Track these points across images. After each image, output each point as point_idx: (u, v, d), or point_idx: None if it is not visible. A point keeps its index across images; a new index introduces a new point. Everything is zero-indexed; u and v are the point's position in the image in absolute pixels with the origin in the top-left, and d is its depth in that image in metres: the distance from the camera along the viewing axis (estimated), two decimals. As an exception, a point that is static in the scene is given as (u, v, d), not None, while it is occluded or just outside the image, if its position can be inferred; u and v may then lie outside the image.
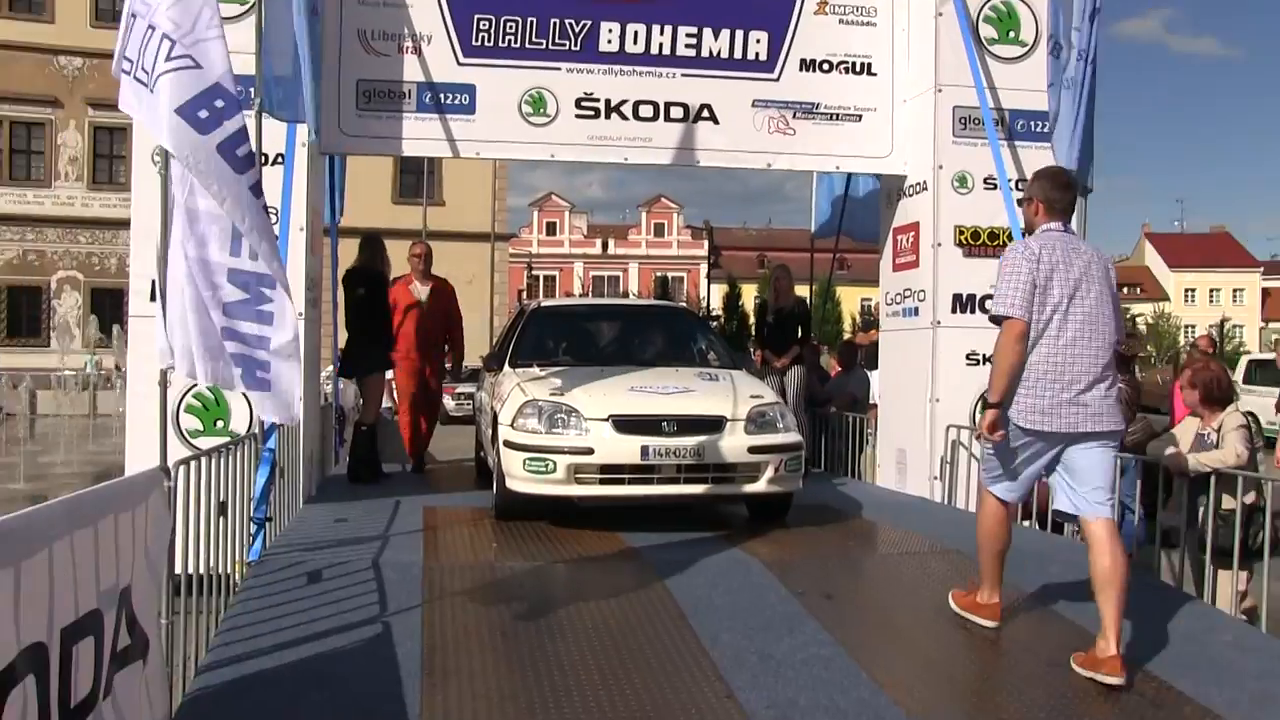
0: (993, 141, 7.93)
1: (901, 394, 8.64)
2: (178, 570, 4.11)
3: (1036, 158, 8.22)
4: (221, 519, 4.97)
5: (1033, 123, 8.23)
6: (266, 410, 4.91)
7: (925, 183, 8.40)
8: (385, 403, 12.86)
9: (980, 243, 8.25)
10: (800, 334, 10.08)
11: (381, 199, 31.12)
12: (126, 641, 2.98)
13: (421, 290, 9.16)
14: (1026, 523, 6.70)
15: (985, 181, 8.24)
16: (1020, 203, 5.61)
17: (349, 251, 8.98)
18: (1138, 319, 52.17)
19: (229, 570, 5.08)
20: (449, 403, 19.67)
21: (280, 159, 7.07)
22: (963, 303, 8.22)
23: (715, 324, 19.97)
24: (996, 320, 4.41)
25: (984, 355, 8.11)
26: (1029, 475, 4.58)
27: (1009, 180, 7.96)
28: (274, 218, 7.00)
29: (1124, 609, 4.19)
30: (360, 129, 8.07)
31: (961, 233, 8.25)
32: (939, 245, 8.23)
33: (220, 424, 7.33)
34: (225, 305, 4.64)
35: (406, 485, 8.39)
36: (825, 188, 11.48)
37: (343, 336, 8.79)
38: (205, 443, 6.58)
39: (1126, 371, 10.94)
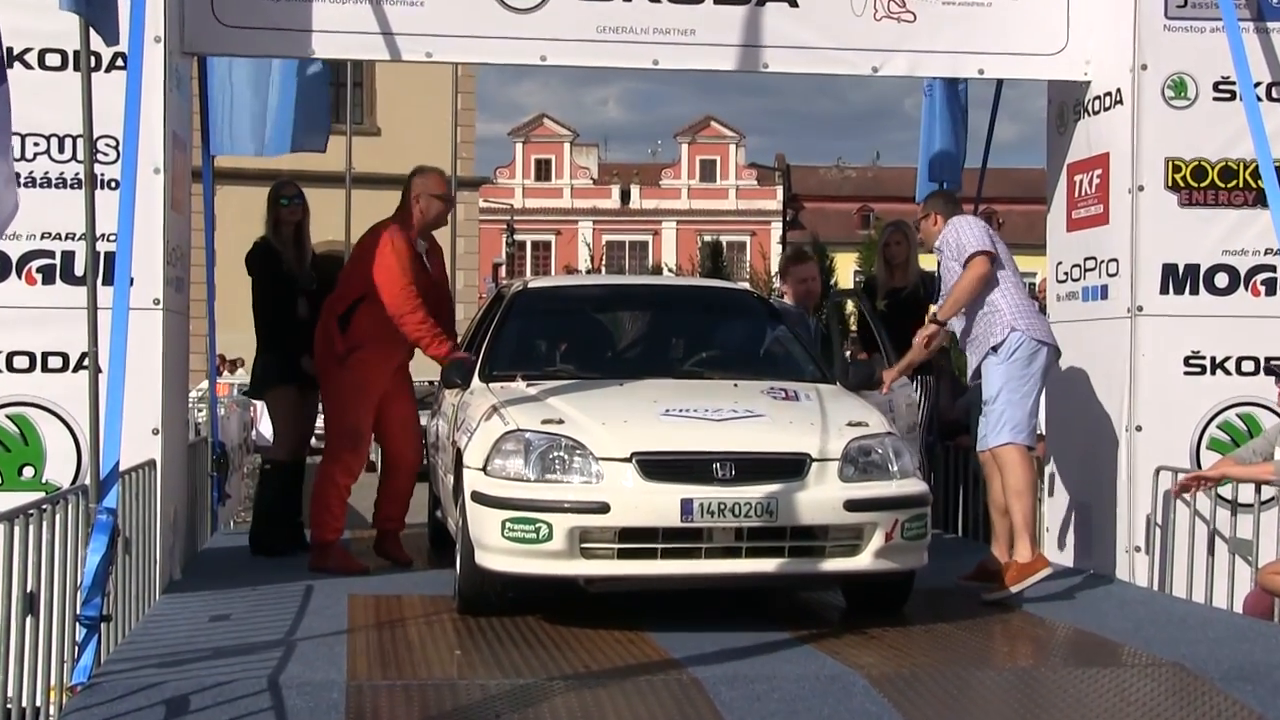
0: (1230, 25, 7.80)
1: (1082, 419, 8.61)
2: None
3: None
4: (29, 619, 4.96)
5: (1299, -8, 8.10)
6: None
7: (1119, 92, 8.35)
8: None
9: (1207, 184, 8.17)
10: (926, 327, 10.00)
11: (285, 127, 31.25)
12: None
13: (421, 246, 8.42)
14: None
15: (1217, 88, 8.15)
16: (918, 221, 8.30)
17: (242, 204, 8.90)
18: None
19: (38, 700, 5.05)
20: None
21: (120, 62, 6.99)
22: (1179, 278, 8.16)
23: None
24: (973, 256, 7.54)
25: (1216, 358, 7.99)
26: (1034, 408, 7.54)
27: (1256, 86, 7.84)
28: (112, 154, 6.99)
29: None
30: (246, 17, 8.03)
31: (1177, 169, 8.18)
32: (1141, 190, 8.19)
33: (30, 473, 7.32)
34: None
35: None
36: (942, 103, 11.36)
37: (235, 339, 8.76)
38: (5, 501, 6.54)
39: None
